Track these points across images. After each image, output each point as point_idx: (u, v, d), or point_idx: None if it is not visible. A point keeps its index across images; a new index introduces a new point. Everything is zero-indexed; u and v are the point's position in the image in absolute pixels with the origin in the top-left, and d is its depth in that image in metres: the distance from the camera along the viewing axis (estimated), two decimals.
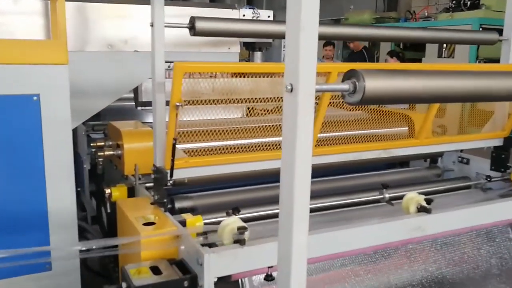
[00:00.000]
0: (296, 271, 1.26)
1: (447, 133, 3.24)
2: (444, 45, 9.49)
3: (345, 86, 1.18)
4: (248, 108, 3.23)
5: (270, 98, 2.98)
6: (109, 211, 2.63)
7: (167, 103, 2.21)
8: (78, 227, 3.51)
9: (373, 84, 1.16)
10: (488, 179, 3.05)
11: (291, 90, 1.11)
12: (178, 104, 2.06)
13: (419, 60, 9.08)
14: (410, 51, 10.81)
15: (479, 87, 1.28)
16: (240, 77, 2.52)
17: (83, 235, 3.80)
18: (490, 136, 3.10)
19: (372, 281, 2.51)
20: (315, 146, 2.64)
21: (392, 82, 1.17)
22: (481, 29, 8.11)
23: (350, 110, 3.48)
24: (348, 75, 1.20)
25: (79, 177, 3.51)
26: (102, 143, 2.87)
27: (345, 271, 2.44)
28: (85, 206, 3.45)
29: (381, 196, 2.80)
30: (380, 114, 2.98)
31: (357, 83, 1.18)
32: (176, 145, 2.43)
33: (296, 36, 1.09)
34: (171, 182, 2.24)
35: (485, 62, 8.23)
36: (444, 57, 9.28)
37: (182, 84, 2.09)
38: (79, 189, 3.59)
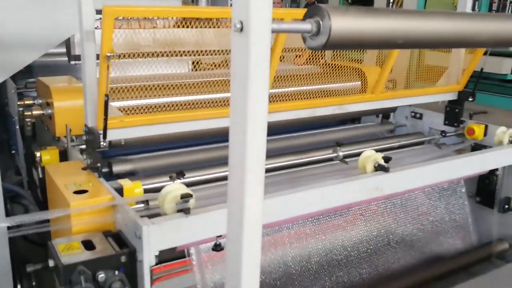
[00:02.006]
0: (249, 242, 1.07)
1: (398, 88, 3.12)
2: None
3: (307, 25, 0.96)
4: (194, 62, 2.98)
5: (217, 51, 2.76)
6: (41, 176, 2.37)
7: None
8: (13, 193, 3.23)
9: (341, 24, 0.95)
10: (443, 134, 2.98)
11: (241, 29, 0.89)
12: (109, 54, 1.78)
13: None
14: (358, 4, 10.69)
15: (467, 31, 1.10)
16: (184, 26, 2.26)
17: (18, 201, 3.52)
18: (444, 90, 3.01)
19: (325, 240, 2.42)
20: None
21: (365, 22, 0.96)
22: None
23: (299, 65, 3.29)
24: (311, 13, 0.98)
25: (12, 139, 3.23)
26: (31, 102, 2.61)
27: (295, 232, 2.33)
28: (20, 170, 3.17)
29: (335, 154, 2.67)
30: (332, 68, 2.81)
31: (321, 22, 0.96)
32: (113, 104, 2.17)
33: None
34: (105, 144, 1.98)
35: None
36: None
37: (113, 31, 1.81)
38: (13, 152, 3.32)
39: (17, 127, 2.99)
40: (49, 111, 2.44)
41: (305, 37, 1.00)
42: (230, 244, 1.10)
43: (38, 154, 2.26)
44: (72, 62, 3.12)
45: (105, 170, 2.27)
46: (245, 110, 0.94)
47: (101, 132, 1.95)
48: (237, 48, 0.91)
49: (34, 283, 2.39)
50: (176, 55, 2.68)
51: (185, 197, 1.62)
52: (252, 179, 1.01)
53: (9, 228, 1.92)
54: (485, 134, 2.89)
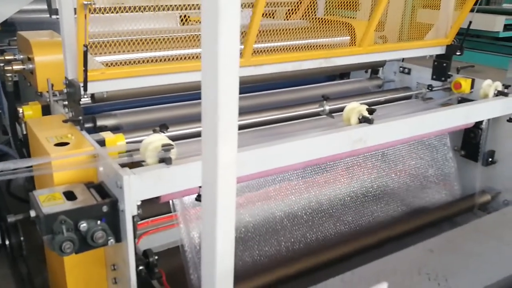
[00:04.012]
0: (223, 191, 1.08)
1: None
2: None
3: None
4: (182, 17, 2.93)
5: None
6: (25, 132, 2.35)
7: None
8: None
9: None
10: (430, 89, 2.97)
11: None
12: (86, 2, 1.73)
13: None
14: None
15: None
16: None
17: (5, 160, 3.51)
18: (433, 44, 2.98)
19: (310, 194, 2.44)
20: (251, 55, 2.41)
21: None
22: None
23: (287, 19, 3.24)
24: None
25: None
26: (12, 57, 2.57)
27: (281, 187, 2.35)
28: (6, 129, 3.16)
29: (321, 109, 2.64)
30: (320, 23, 2.77)
31: None
32: (97, 59, 2.13)
33: None
34: (85, 96, 1.95)
35: None
36: None
37: None
38: (0, 111, 3.29)
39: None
40: (30, 66, 2.41)
41: None
42: (205, 190, 1.11)
43: (20, 110, 2.24)
44: (53, 16, 3.05)
45: (89, 125, 2.25)
46: (216, 55, 0.92)
47: (82, 84, 1.92)
48: None
49: (22, 238, 2.41)
50: (163, 10, 2.63)
51: (166, 146, 1.62)
52: (224, 124, 1.00)
53: None
54: (472, 88, 2.89)
